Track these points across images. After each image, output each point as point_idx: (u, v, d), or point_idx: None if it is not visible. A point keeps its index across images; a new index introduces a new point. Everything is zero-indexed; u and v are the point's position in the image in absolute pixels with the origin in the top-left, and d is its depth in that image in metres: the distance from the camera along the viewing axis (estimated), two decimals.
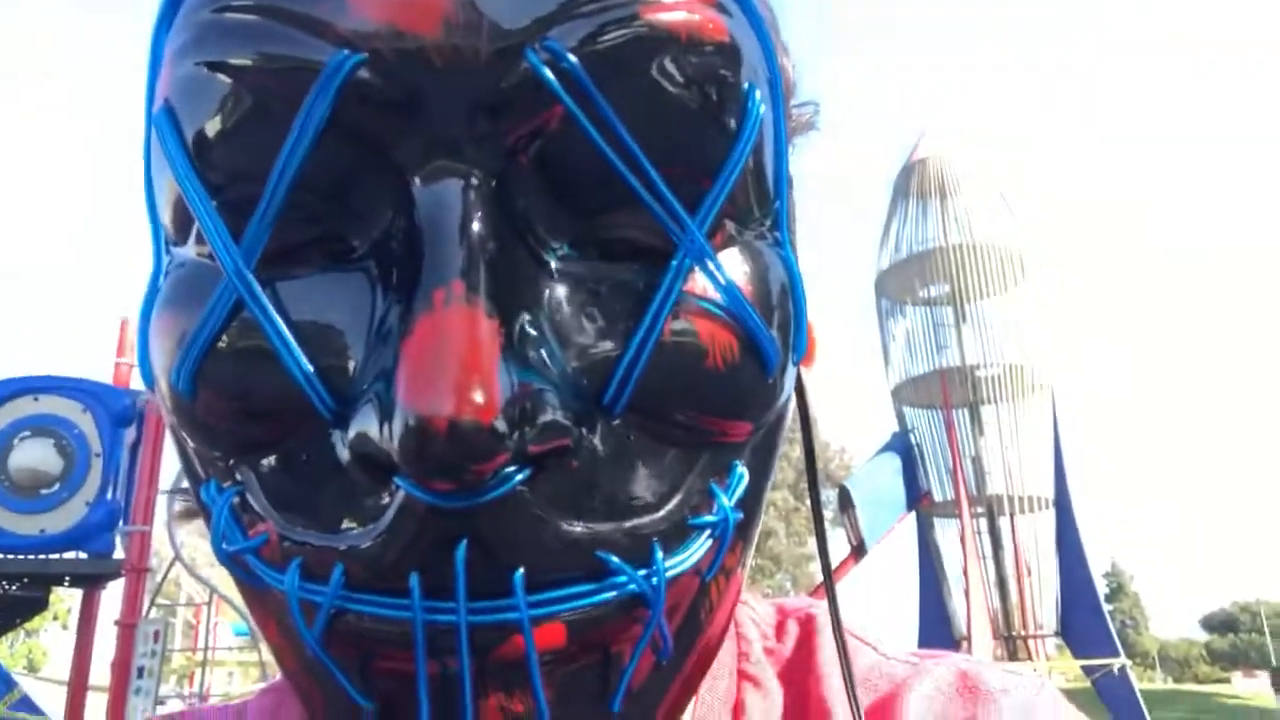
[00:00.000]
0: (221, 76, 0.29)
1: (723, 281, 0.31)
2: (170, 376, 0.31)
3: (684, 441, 0.31)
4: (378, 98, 0.27)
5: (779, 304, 0.33)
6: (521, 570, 0.27)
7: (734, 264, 0.32)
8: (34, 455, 4.67)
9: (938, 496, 12.36)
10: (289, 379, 0.28)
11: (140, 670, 4.95)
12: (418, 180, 0.28)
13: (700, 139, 0.30)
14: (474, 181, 0.28)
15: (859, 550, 10.83)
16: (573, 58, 0.27)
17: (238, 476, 0.31)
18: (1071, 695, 0.47)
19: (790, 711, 0.42)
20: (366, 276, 0.30)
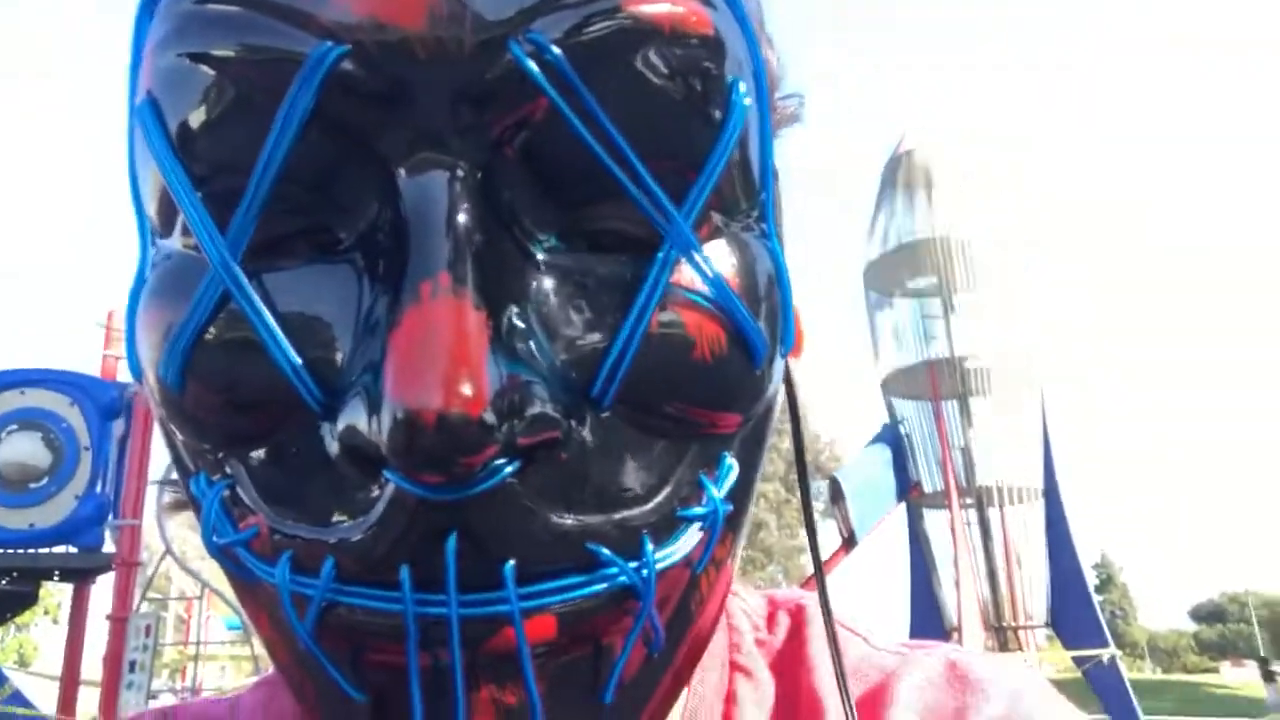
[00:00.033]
0: (204, 68, 0.29)
1: (709, 273, 0.31)
2: (158, 369, 0.31)
3: (673, 433, 0.31)
4: (361, 89, 0.27)
5: (766, 295, 0.33)
6: (512, 562, 0.27)
7: (720, 256, 0.32)
8: (22, 449, 4.64)
9: (928, 488, 12.38)
10: (277, 371, 0.28)
11: (132, 664, 4.94)
12: (403, 172, 0.28)
13: (685, 131, 0.30)
14: (459, 173, 0.28)
15: (849, 542, 10.85)
16: (557, 49, 0.27)
17: (227, 469, 0.31)
18: (1062, 685, 0.47)
19: (782, 702, 0.43)
20: (353, 268, 0.29)
